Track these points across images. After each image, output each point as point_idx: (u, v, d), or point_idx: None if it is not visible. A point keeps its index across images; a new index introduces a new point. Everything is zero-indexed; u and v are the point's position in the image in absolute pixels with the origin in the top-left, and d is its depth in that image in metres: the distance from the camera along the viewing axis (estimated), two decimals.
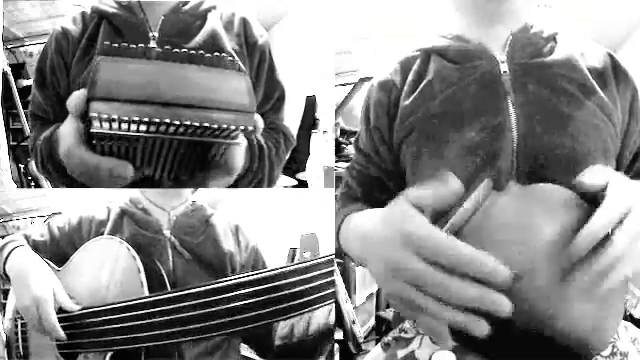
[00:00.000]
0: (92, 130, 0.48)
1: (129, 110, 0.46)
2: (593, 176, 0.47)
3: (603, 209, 0.44)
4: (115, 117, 0.46)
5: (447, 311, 0.41)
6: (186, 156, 0.56)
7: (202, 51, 0.50)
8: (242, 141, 0.54)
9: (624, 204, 0.44)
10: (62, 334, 0.71)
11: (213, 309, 0.63)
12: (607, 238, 0.43)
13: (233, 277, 0.64)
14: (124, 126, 0.47)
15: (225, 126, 0.50)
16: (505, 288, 0.40)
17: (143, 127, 0.48)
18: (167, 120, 0.47)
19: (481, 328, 0.40)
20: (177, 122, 0.48)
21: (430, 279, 0.41)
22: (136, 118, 0.47)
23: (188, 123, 0.48)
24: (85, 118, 0.50)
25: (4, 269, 0.76)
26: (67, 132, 0.54)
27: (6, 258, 0.76)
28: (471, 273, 0.40)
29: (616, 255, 0.42)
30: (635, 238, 0.43)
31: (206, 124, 0.49)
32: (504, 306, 0.39)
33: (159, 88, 0.47)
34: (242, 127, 0.51)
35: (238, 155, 0.61)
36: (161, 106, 0.47)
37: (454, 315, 0.41)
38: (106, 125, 0.47)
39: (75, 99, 0.50)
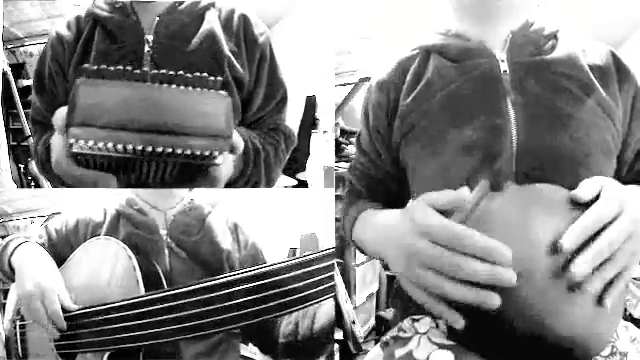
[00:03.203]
0: (72, 150, 0.49)
1: (105, 136, 0.48)
2: (587, 189, 0.48)
3: (593, 208, 0.46)
4: (91, 143, 0.48)
5: (460, 288, 0.44)
6: (168, 169, 0.56)
7: (182, 72, 0.51)
8: (222, 161, 0.55)
9: (615, 205, 0.46)
10: (64, 324, 0.70)
11: (210, 306, 0.62)
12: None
13: (229, 274, 0.64)
14: (102, 147, 0.49)
15: (198, 152, 0.50)
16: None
17: (120, 149, 0.49)
18: (140, 147, 0.49)
19: (493, 301, 0.43)
20: (150, 149, 0.49)
21: (444, 259, 0.45)
22: (111, 144, 0.48)
23: (160, 150, 0.49)
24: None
25: (10, 262, 0.76)
26: (55, 145, 0.56)
27: (12, 252, 0.76)
28: (480, 255, 0.43)
29: (602, 252, 0.44)
30: (625, 238, 0.45)
31: (178, 151, 0.50)
32: (510, 277, 0.43)
33: (136, 114, 0.49)
34: (217, 152, 0.51)
35: (223, 169, 0.61)
36: (137, 132, 0.48)
37: (467, 291, 0.44)
38: (85, 147, 0.49)
39: (58, 116, 0.52)
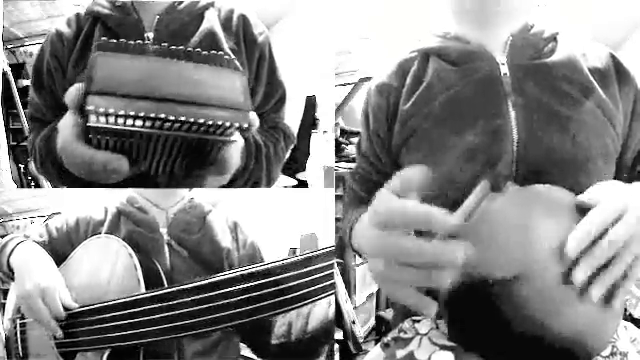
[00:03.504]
0: (89, 124, 0.49)
1: (125, 105, 0.48)
2: (592, 195, 0.47)
3: (596, 210, 0.44)
4: (111, 111, 0.47)
5: (412, 273, 0.40)
6: (181, 152, 0.56)
7: (199, 49, 0.51)
8: (237, 139, 0.55)
9: (618, 206, 0.44)
10: (63, 316, 0.70)
11: (209, 304, 0.62)
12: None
13: (228, 272, 0.64)
14: (120, 120, 0.48)
15: (220, 123, 0.51)
16: (453, 234, 0.39)
17: (139, 122, 0.49)
18: (162, 115, 0.48)
19: (440, 279, 0.39)
20: (172, 118, 0.49)
21: (387, 243, 0.41)
22: (132, 113, 0.48)
23: (183, 119, 0.49)
24: (83, 112, 0.51)
25: (8, 263, 0.75)
26: (65, 126, 0.55)
27: (11, 252, 0.76)
28: (421, 227, 0.40)
29: (603, 255, 0.42)
30: (629, 237, 0.43)
31: (200, 120, 0.50)
32: (459, 252, 0.38)
33: (155, 84, 0.48)
34: (237, 124, 0.52)
35: (234, 153, 0.61)
36: (156, 102, 0.48)
37: (419, 275, 0.40)
38: (102, 119, 0.48)
39: (73, 92, 0.51)
